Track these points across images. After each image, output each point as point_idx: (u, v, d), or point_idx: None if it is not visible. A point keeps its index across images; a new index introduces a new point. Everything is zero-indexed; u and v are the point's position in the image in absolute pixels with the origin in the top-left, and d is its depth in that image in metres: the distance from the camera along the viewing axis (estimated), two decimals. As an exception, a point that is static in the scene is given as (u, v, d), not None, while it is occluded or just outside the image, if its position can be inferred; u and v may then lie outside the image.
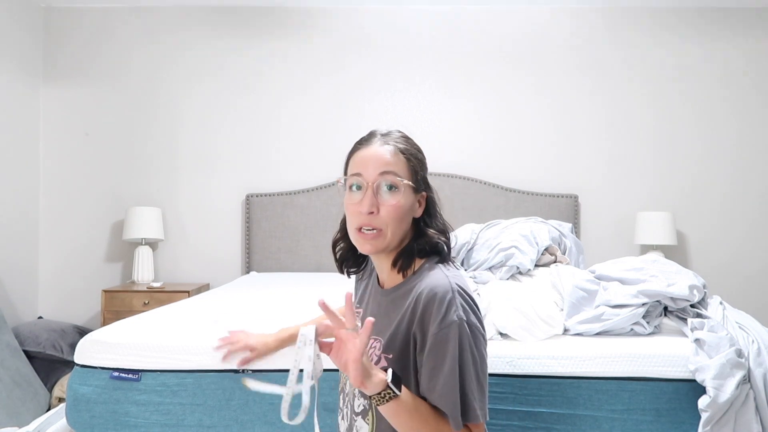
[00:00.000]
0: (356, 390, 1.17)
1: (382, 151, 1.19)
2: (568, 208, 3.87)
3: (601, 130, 3.97)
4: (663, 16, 3.94)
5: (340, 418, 1.30)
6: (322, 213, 3.87)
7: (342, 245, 1.30)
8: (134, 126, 3.98)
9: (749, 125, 3.93)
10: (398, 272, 1.21)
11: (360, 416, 1.18)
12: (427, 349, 1.10)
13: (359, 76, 3.99)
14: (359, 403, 1.17)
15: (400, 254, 1.21)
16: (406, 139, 1.26)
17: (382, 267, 1.25)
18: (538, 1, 3.92)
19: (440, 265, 1.20)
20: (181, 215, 3.98)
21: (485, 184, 3.88)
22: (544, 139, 3.97)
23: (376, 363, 1.15)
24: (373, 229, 1.17)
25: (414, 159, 1.23)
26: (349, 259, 1.31)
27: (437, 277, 1.14)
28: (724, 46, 3.93)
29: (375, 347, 1.18)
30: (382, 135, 1.24)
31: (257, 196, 3.90)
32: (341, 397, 1.29)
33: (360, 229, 1.18)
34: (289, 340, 1.60)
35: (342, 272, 1.32)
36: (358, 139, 1.26)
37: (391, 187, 1.18)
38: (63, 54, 3.97)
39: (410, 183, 1.20)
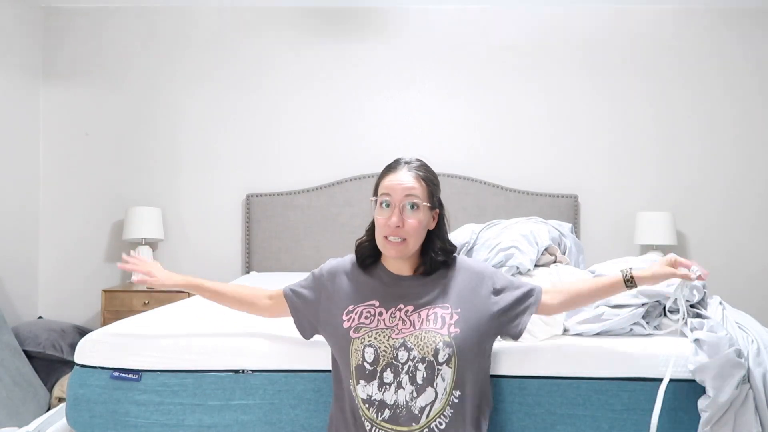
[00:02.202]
0: (438, 344, 1.48)
1: (406, 178, 1.55)
2: (568, 208, 3.87)
3: (601, 130, 3.97)
4: (663, 16, 3.94)
5: (390, 392, 1.47)
6: (322, 213, 3.87)
7: (366, 246, 1.63)
8: (134, 126, 3.99)
9: (750, 125, 3.93)
10: (423, 269, 1.59)
11: (444, 364, 1.47)
12: (498, 278, 1.62)
13: (360, 76, 3.99)
14: (444, 354, 1.47)
15: (427, 260, 1.59)
16: (425, 167, 1.62)
17: (399, 264, 1.60)
18: (538, 2, 3.93)
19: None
20: (181, 215, 3.98)
21: (485, 184, 3.88)
22: (544, 139, 3.97)
23: (451, 320, 1.52)
24: (398, 238, 1.52)
25: (431, 184, 1.59)
26: (370, 257, 1.63)
27: (473, 261, 1.72)
28: (725, 46, 3.93)
29: (441, 312, 1.53)
30: (406, 163, 1.59)
31: (257, 196, 3.90)
32: (389, 370, 1.48)
33: (386, 238, 1.53)
34: (186, 287, 1.81)
35: (360, 265, 1.64)
36: (389, 163, 1.62)
37: (413, 206, 1.53)
38: (63, 54, 3.97)
39: (428, 204, 1.56)
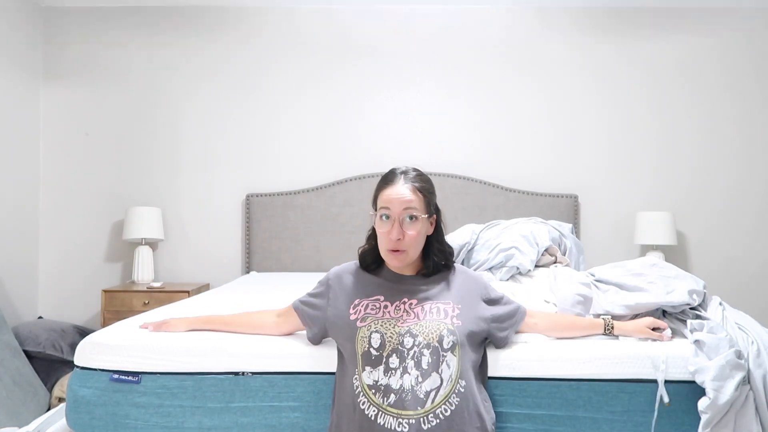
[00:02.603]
0: (443, 331, 1.55)
1: (403, 191, 1.62)
2: (568, 208, 3.87)
3: (601, 130, 3.97)
4: (663, 15, 3.94)
5: (395, 377, 1.50)
6: (322, 213, 3.87)
7: (369, 252, 1.71)
8: (134, 126, 3.98)
9: (750, 125, 3.92)
10: (425, 271, 1.69)
11: (449, 351, 1.53)
12: (490, 289, 1.74)
13: (359, 77, 3.99)
14: (448, 341, 1.54)
15: (429, 263, 1.69)
16: (421, 176, 1.67)
17: (402, 267, 1.68)
18: (538, 1, 3.92)
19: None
20: (181, 215, 3.98)
21: (485, 184, 3.88)
22: (544, 139, 3.97)
23: (453, 312, 1.60)
24: (399, 251, 1.61)
25: (427, 194, 1.66)
26: (374, 262, 1.72)
27: (470, 270, 1.82)
28: (725, 46, 3.93)
29: (443, 306, 1.62)
30: (402, 173, 1.65)
31: (257, 196, 3.90)
32: (394, 355, 1.52)
33: (390, 250, 1.62)
34: (199, 326, 1.83)
35: (365, 270, 1.73)
36: (381, 176, 1.69)
37: (412, 218, 1.61)
38: (63, 54, 3.97)
39: (425, 215, 1.63)
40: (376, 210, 1.66)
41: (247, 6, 3.98)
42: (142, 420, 1.68)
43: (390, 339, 1.54)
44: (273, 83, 3.99)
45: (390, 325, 1.56)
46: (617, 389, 1.65)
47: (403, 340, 1.53)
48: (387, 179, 1.66)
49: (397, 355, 1.52)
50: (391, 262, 1.65)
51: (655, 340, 1.72)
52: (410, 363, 1.51)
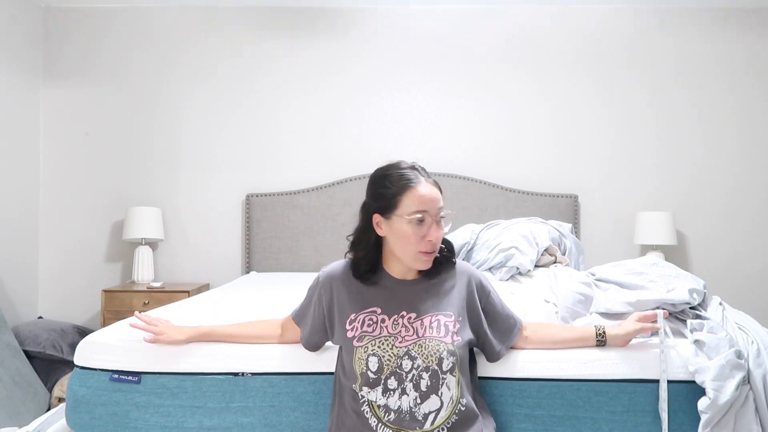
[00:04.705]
0: (443, 353, 1.49)
1: (435, 192, 1.55)
2: (568, 208, 3.87)
3: (601, 130, 3.97)
4: (664, 15, 3.94)
5: (393, 398, 1.47)
6: (322, 213, 3.87)
7: (363, 261, 1.59)
8: (134, 126, 3.99)
9: (750, 125, 3.93)
10: (428, 270, 1.59)
11: (449, 372, 1.49)
12: (491, 299, 1.65)
13: (360, 76, 3.99)
14: (448, 363, 1.49)
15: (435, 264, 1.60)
16: (430, 174, 1.60)
17: (404, 268, 1.59)
18: (539, 1, 3.92)
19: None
20: (181, 215, 3.98)
21: (485, 184, 3.88)
22: (544, 139, 3.97)
23: (453, 328, 1.54)
24: (432, 252, 1.54)
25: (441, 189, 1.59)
26: (368, 271, 1.60)
27: (474, 269, 1.69)
28: (726, 46, 3.93)
29: (444, 319, 1.54)
30: (418, 170, 1.56)
31: (257, 196, 3.90)
32: (393, 378, 1.48)
33: (424, 252, 1.53)
34: (198, 338, 1.75)
35: (360, 278, 1.60)
36: (391, 177, 1.55)
37: (443, 219, 1.55)
38: (63, 54, 3.97)
39: (449, 212, 1.58)
40: (389, 213, 1.53)
41: (246, 6, 3.98)
42: (142, 420, 1.68)
43: (388, 362, 1.49)
44: (273, 83, 3.99)
45: (388, 345, 1.50)
46: (617, 389, 1.64)
47: (401, 363, 1.49)
48: (407, 178, 1.53)
49: (395, 378, 1.49)
50: (422, 266, 1.55)
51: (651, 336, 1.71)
52: (409, 385, 1.48)
